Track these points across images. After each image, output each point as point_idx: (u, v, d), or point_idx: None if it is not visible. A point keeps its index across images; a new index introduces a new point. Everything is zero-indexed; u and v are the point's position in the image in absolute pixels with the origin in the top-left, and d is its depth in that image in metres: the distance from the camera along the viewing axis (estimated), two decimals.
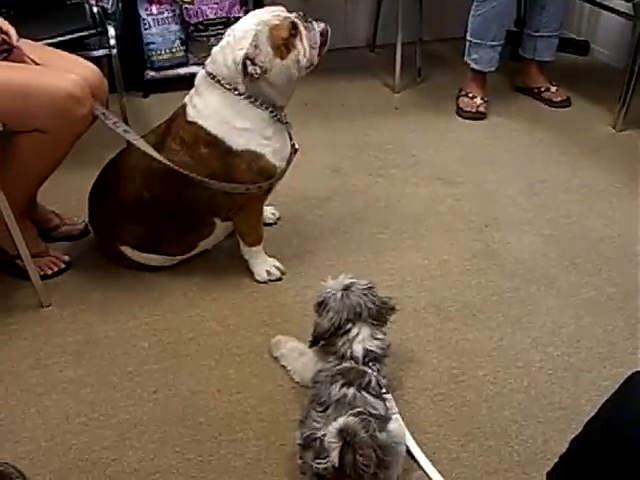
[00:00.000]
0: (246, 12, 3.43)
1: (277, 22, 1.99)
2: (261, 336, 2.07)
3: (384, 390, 1.65)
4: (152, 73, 3.51)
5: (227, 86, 2.04)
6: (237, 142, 2.07)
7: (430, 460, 1.69)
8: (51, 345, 2.05)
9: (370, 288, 1.76)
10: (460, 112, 3.36)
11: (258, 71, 1.97)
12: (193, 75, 2.15)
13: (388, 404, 1.64)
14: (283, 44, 1.99)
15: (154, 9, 3.44)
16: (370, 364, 1.68)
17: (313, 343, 1.76)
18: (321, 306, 1.74)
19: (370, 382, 1.62)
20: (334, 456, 1.42)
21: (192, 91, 2.14)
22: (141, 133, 2.18)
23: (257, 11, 2.06)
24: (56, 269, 2.30)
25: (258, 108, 2.06)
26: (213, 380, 1.93)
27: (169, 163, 2.04)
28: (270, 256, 2.32)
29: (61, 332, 2.09)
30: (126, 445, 1.75)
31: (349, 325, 1.70)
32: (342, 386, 1.59)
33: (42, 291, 2.17)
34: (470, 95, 3.35)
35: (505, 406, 1.85)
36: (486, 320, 2.14)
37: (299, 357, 1.91)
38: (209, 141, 2.07)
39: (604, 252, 2.43)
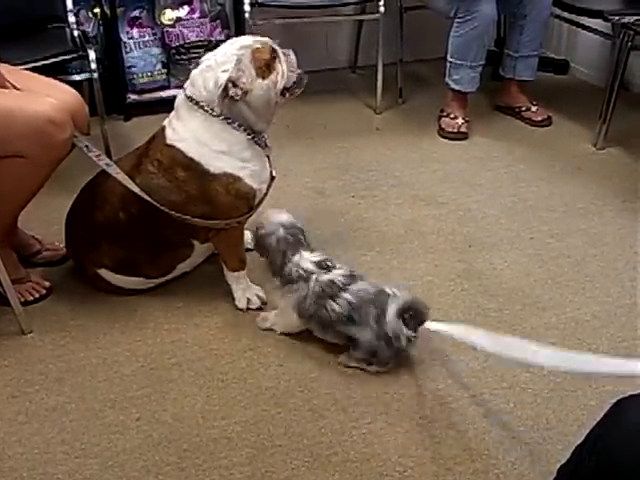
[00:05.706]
0: (227, 35, 3.48)
1: (259, 45, 2.06)
2: (245, 361, 2.06)
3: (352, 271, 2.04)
4: (133, 96, 3.50)
5: (206, 108, 2.06)
6: (214, 165, 2.08)
7: None
8: (32, 372, 2.02)
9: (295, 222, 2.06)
10: (442, 132, 3.37)
11: (239, 93, 2.01)
12: (175, 98, 2.16)
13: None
14: (265, 65, 2.04)
15: (135, 32, 3.44)
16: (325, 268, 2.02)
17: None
18: (264, 246, 2.05)
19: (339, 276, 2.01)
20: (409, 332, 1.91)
21: (172, 114, 2.15)
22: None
23: (237, 38, 2.13)
24: (37, 295, 2.27)
25: (236, 130, 2.08)
26: (197, 406, 1.91)
27: (150, 199, 2.07)
28: (254, 282, 2.29)
29: (42, 359, 2.07)
30: (109, 473, 1.72)
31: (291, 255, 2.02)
32: (332, 300, 1.97)
33: (23, 318, 2.14)
34: (451, 115, 3.37)
35: (492, 428, 1.84)
36: None
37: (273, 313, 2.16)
38: (186, 164, 2.09)
39: (587, 270, 2.44)
